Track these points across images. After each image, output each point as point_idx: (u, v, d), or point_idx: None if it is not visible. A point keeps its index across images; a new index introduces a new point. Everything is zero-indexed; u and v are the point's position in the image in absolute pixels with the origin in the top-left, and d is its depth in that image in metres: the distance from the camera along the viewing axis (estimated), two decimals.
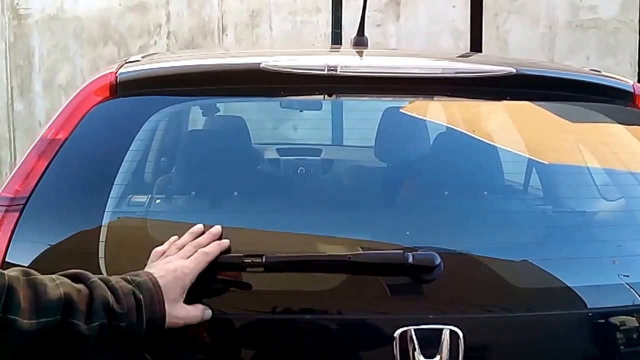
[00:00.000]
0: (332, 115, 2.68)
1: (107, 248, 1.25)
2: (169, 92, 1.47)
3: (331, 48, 1.94)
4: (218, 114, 1.93)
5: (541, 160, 1.70)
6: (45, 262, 1.25)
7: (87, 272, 1.09)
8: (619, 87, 1.53)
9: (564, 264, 1.28)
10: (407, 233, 1.26)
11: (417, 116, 1.81)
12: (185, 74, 1.50)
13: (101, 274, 1.18)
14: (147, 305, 1.06)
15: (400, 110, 1.73)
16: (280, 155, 2.35)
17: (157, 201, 1.46)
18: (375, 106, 1.84)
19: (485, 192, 1.57)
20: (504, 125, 1.77)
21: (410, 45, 5.56)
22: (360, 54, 1.81)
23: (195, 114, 1.81)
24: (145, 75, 1.51)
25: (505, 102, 1.57)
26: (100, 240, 1.25)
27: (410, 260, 1.12)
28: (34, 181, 1.32)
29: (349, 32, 5.98)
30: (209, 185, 1.52)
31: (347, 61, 1.50)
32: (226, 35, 6.31)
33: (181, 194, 1.51)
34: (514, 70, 1.46)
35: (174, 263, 1.13)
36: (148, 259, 1.21)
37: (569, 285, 1.24)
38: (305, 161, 2.22)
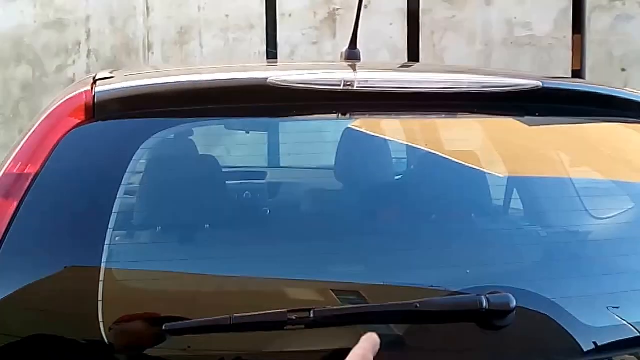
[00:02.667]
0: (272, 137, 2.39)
1: (107, 311, 1.02)
2: (161, 114, 1.26)
3: (334, 61, 1.78)
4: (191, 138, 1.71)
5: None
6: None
7: None
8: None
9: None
10: (468, 271, 1.11)
11: (377, 135, 1.68)
12: (179, 91, 1.29)
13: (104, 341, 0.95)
14: None
15: (356, 128, 1.58)
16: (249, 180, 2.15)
17: (158, 245, 1.24)
18: (324, 126, 1.67)
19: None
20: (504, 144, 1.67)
21: None
22: (372, 68, 1.65)
23: (182, 139, 1.60)
24: (131, 93, 1.29)
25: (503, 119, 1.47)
26: (99, 299, 1.02)
27: (485, 304, 0.96)
28: (3, 227, 1.07)
29: (285, 49, 5.88)
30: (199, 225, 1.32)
31: (363, 76, 1.34)
32: (152, 53, 6.02)
33: (179, 235, 1.29)
34: (541, 84, 1.35)
35: None
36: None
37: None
38: (257, 186, 2.04)
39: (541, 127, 1.52)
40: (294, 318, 0.93)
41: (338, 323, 0.98)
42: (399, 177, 1.85)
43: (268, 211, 1.64)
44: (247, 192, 1.87)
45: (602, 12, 4.87)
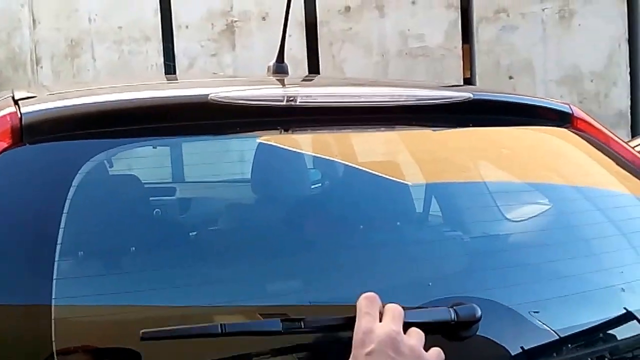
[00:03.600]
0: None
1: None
2: (98, 135, 1.20)
3: (270, 77, 1.74)
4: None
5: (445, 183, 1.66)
6: None
7: None
8: (562, 109, 1.55)
9: None
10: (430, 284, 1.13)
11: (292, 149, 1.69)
12: (118, 110, 1.23)
13: None
14: None
15: (272, 142, 1.57)
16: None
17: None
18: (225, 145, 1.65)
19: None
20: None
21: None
22: (313, 83, 1.65)
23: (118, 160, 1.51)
24: (64, 114, 1.21)
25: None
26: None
27: (454, 316, 0.98)
28: None
29: (183, 62, 5.78)
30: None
31: (306, 91, 1.34)
32: (41, 67, 5.72)
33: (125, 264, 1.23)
34: (471, 96, 1.41)
35: None
36: None
37: None
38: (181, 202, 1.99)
39: (464, 135, 1.57)
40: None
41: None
42: (320, 189, 1.86)
43: (203, 232, 1.59)
44: (191, 214, 1.81)
45: (488, 24, 5.17)
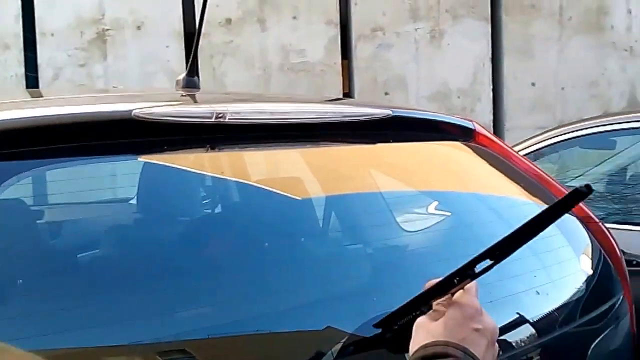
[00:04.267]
0: None
1: None
2: (6, 156, 1.10)
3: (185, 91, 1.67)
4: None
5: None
6: None
7: None
8: (466, 125, 1.63)
9: None
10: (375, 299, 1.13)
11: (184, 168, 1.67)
12: (35, 127, 1.14)
13: None
14: None
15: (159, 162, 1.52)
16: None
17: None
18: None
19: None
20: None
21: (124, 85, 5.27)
22: (238, 99, 1.62)
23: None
24: None
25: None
26: None
27: None
28: None
29: (47, 72, 5.45)
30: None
31: (235, 108, 1.32)
32: None
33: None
34: (391, 113, 1.45)
35: None
36: None
37: None
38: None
39: (368, 151, 1.61)
40: None
41: None
42: (218, 209, 1.82)
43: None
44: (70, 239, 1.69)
45: (366, 41, 5.35)
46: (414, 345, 0.95)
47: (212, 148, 1.33)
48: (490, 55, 5.51)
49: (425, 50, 5.40)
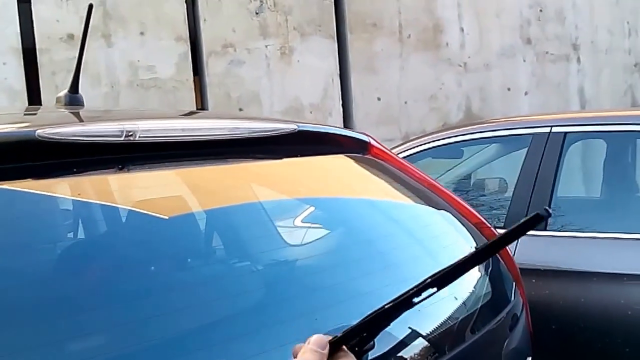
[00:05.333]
0: None
1: None
2: None
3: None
4: None
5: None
6: None
7: None
8: (362, 139, 1.69)
9: None
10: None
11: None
12: None
13: None
14: None
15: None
16: None
17: None
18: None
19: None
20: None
21: None
22: (142, 115, 1.51)
23: None
24: None
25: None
26: None
27: None
28: None
29: None
30: None
31: (145, 125, 1.25)
32: None
33: None
34: (297, 127, 1.47)
35: None
36: None
37: None
38: None
39: (268, 165, 1.61)
40: None
41: None
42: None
43: None
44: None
45: (217, 57, 5.31)
46: None
47: (121, 168, 1.26)
48: (338, 71, 5.71)
49: (277, 67, 5.48)
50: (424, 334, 1.42)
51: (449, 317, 1.51)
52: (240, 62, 5.34)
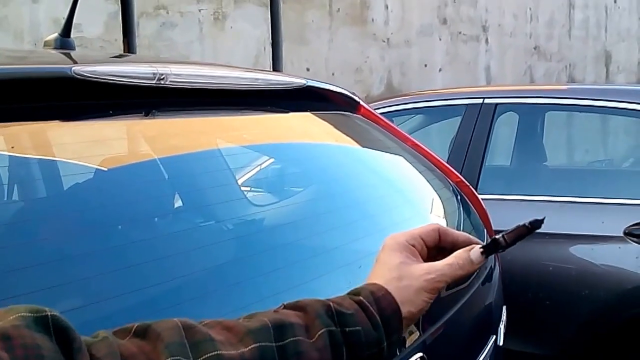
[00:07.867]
0: None
1: None
2: None
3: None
4: None
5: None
6: None
7: None
8: (354, 98, 1.76)
9: None
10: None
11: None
12: None
13: None
14: None
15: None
16: None
17: None
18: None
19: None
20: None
21: None
22: (167, 60, 1.49)
23: None
24: None
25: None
26: None
27: None
28: None
29: None
30: None
31: (175, 70, 1.25)
32: None
33: None
34: (306, 82, 1.52)
35: None
36: None
37: None
38: None
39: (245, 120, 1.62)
40: None
41: None
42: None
43: None
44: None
45: (148, 19, 5.17)
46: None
47: (147, 114, 1.27)
48: (270, 40, 5.71)
49: (209, 31, 5.41)
50: None
51: None
52: (172, 24, 5.23)
